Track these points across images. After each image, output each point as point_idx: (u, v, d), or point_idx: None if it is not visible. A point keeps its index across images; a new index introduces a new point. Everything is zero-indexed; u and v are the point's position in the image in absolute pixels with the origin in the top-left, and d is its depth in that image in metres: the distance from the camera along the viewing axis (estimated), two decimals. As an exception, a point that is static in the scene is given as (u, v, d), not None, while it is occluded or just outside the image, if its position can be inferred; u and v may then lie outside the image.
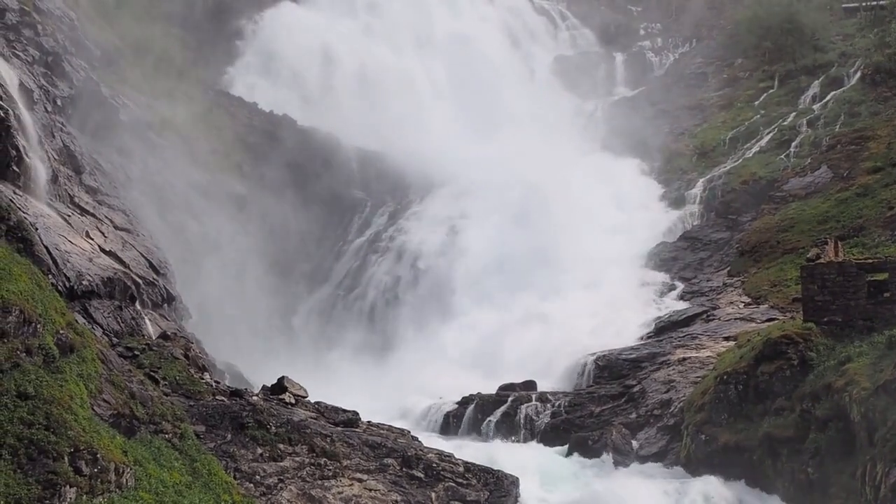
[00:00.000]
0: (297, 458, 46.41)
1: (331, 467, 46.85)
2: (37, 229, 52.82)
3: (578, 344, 72.85)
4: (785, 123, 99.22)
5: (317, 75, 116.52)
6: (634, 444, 59.90)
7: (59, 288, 50.94)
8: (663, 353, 67.85)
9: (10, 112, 59.37)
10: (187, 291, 72.32)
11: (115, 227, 65.90)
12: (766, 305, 70.80)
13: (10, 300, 35.89)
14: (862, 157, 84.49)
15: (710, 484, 52.40)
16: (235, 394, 50.43)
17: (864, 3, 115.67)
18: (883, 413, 44.60)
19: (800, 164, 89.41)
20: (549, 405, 65.21)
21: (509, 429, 64.44)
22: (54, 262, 53.13)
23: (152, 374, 48.04)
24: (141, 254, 65.45)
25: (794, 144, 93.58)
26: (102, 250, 60.90)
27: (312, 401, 54.24)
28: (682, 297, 78.85)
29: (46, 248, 53.00)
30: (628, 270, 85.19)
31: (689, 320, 73.05)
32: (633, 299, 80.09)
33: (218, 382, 53.82)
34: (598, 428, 61.48)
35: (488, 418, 65.55)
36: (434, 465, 49.95)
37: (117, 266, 60.25)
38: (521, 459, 57.81)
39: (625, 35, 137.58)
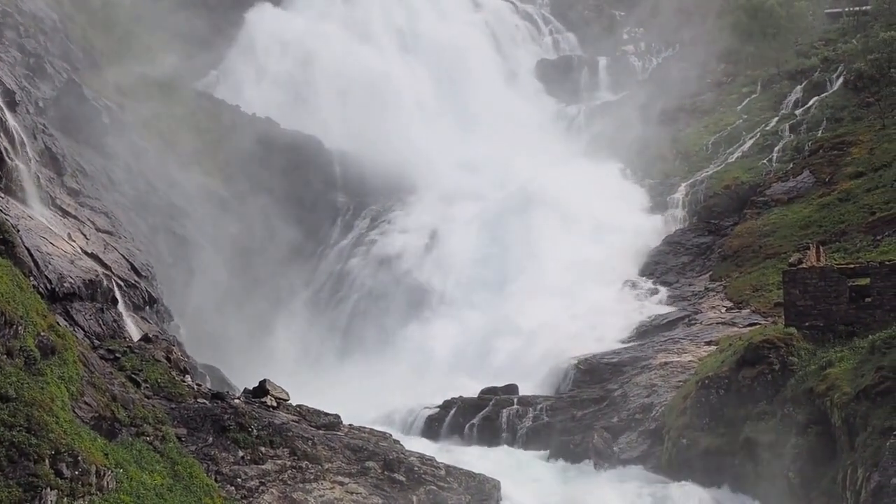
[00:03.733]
0: (279, 461, 46.37)
1: (312, 470, 46.82)
2: (18, 231, 52.71)
3: (560, 348, 72.84)
4: (767, 128, 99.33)
5: (300, 78, 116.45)
6: (616, 448, 59.94)
7: (41, 290, 50.84)
8: (645, 357, 67.88)
9: (-8, 114, 59.38)
10: (169, 294, 72.25)
11: (97, 230, 65.82)
12: (748, 310, 70.86)
13: (-9, 302, 35.85)
14: (844, 163, 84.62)
15: (692, 488, 52.49)
16: (217, 397, 50.37)
17: (846, 9, 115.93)
18: (864, 418, 44.70)
19: (782, 168, 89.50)
20: (530, 409, 65.15)
21: (491, 433, 64.38)
22: (36, 263, 53.01)
23: (134, 376, 47.95)
24: (123, 256, 65.38)
25: (776, 149, 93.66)
26: (84, 252, 60.82)
27: (294, 404, 54.22)
28: (664, 302, 78.86)
29: (28, 249, 52.89)
30: (610, 274, 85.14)
31: (671, 324, 73.10)
32: (615, 303, 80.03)
33: (199, 385, 53.76)
34: (579, 432, 61.51)
35: (470, 422, 65.47)
36: (415, 468, 49.95)
37: (99, 268, 60.17)
38: (503, 463, 57.89)
39: (608, 39, 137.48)
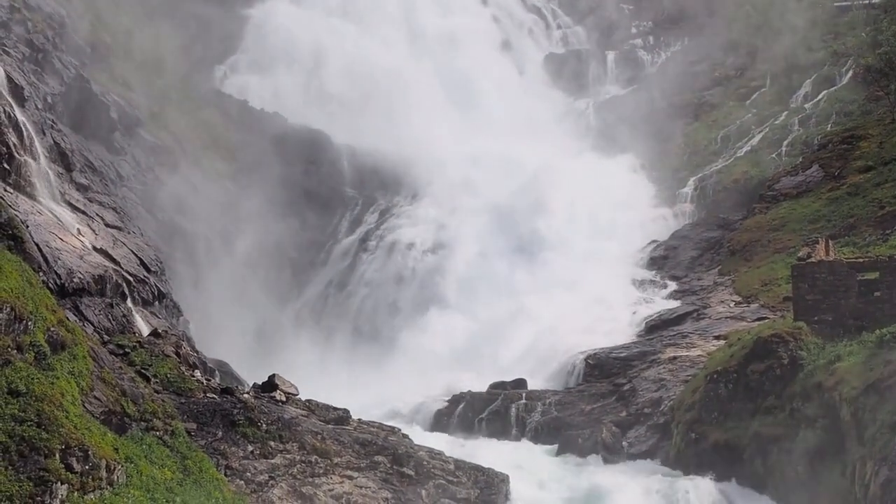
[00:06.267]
0: (288, 456, 46.42)
1: (321, 465, 46.86)
2: (28, 227, 52.79)
3: (569, 342, 72.92)
4: (776, 122, 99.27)
5: (307, 73, 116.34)
6: (624, 442, 60.00)
7: (50, 285, 50.91)
8: (654, 351, 67.92)
9: (1, 109, 59.35)
10: (178, 289, 72.30)
11: (106, 225, 65.91)
12: (757, 304, 70.89)
13: (0, 297, 35.87)
14: (853, 157, 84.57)
15: (700, 482, 52.46)
16: (226, 391, 50.41)
17: (856, 2, 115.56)
18: (873, 412, 44.67)
19: (791, 163, 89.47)
20: (539, 403, 65.26)
21: (500, 427, 64.47)
22: (45, 259, 53.10)
23: (143, 371, 48.03)
24: (132, 251, 65.44)
25: (785, 143, 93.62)
26: (93, 248, 60.90)
27: (303, 398, 54.23)
28: (672, 296, 78.89)
29: (37, 245, 52.98)
30: (619, 269, 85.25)
31: (679, 319, 73.12)
32: (624, 298, 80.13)
33: (209, 380, 53.81)
34: (588, 426, 61.57)
35: (479, 416, 65.61)
36: (424, 462, 49.97)
37: (108, 263, 60.22)
38: (512, 457, 57.94)
39: (616, 33, 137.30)
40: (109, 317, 56.08)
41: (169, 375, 49.52)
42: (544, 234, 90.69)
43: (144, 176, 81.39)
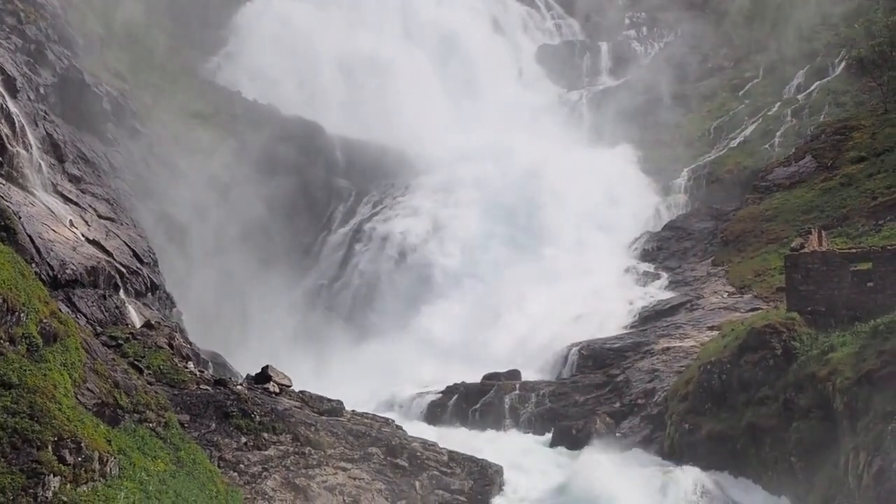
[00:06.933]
0: (282, 447, 46.41)
1: (315, 456, 46.85)
2: (20, 218, 52.73)
3: (562, 333, 72.91)
4: (770, 113, 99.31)
5: (301, 64, 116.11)
6: (618, 433, 59.92)
7: (43, 276, 50.86)
8: (647, 342, 67.90)
9: (-7, 100, 59.34)
10: (171, 280, 72.23)
11: (99, 216, 65.84)
12: (750, 295, 70.87)
13: (-7, 289, 35.85)
14: (846, 147, 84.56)
15: (694, 473, 52.42)
16: (220, 383, 50.40)
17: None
18: (866, 402, 44.68)
19: (784, 153, 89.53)
20: (532, 394, 65.18)
21: (493, 418, 64.40)
22: (38, 250, 53.03)
23: (136, 363, 48.00)
24: (125, 242, 65.38)
25: (778, 134, 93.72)
26: (86, 239, 60.83)
27: (297, 390, 54.28)
28: (666, 287, 78.90)
29: (30, 236, 52.92)
30: (612, 260, 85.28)
31: (673, 310, 73.15)
32: (617, 289, 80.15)
33: (202, 371, 53.80)
34: (581, 417, 61.51)
35: (473, 407, 65.54)
36: (418, 453, 50.00)
37: (101, 255, 60.18)
38: (505, 448, 57.90)
39: (610, 24, 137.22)
40: (102, 308, 56.04)
41: (162, 367, 49.51)
42: (537, 226, 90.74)
43: (137, 167, 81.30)
